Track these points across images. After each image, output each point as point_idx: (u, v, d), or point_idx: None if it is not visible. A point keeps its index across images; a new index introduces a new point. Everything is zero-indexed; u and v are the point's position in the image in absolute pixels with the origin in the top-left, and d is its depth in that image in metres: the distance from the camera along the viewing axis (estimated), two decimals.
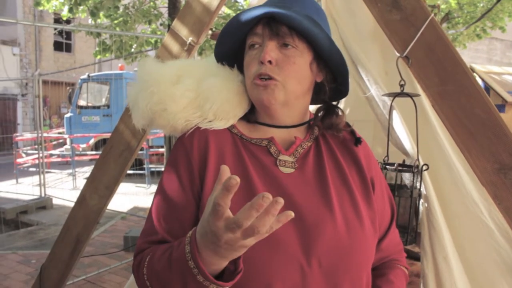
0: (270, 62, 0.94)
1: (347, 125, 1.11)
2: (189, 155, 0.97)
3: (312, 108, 1.12)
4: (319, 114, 1.07)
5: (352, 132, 1.10)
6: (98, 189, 2.10)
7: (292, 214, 0.67)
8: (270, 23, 0.95)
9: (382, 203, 1.06)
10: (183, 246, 0.78)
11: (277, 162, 0.98)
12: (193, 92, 1.02)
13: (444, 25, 9.75)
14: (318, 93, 1.07)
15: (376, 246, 1.01)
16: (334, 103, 1.11)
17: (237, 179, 0.63)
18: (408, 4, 1.49)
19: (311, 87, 1.03)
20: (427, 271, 1.46)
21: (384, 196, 1.08)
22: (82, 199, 2.16)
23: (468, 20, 9.31)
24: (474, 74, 4.07)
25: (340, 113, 1.07)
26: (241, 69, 1.06)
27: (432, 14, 1.47)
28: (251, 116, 1.05)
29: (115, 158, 2.04)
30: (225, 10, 8.10)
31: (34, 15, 16.35)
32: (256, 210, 0.64)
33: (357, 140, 1.07)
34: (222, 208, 0.66)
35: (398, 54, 1.51)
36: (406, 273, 1.12)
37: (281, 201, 0.64)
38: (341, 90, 1.08)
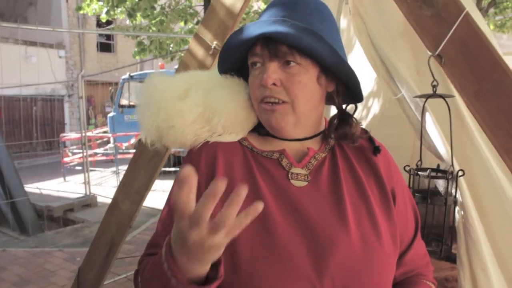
0: (274, 84, 0.89)
1: (364, 131, 1.04)
2: (196, 168, 0.94)
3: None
4: (333, 123, 1.01)
5: (371, 140, 1.03)
6: (129, 194, 2.13)
7: (261, 207, 0.64)
8: (268, 43, 0.89)
9: (405, 214, 1.00)
10: (161, 251, 0.76)
11: (289, 175, 0.93)
12: (201, 107, 0.99)
13: (491, 10, 9.27)
14: (332, 100, 1.01)
15: (398, 260, 0.95)
16: (348, 108, 1.05)
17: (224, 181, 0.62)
18: None
19: (323, 98, 0.98)
20: (463, 283, 1.38)
21: (407, 207, 1.01)
22: (114, 204, 2.20)
23: None
24: None
25: (354, 122, 1.01)
26: (247, 81, 1.01)
27: (466, 9, 1.37)
28: (261, 129, 1.00)
29: (144, 165, 2.05)
30: (261, 5, 8.05)
31: (78, 18, 16.92)
32: (212, 197, 0.62)
33: (376, 149, 1.00)
34: (180, 205, 0.64)
35: (429, 53, 1.42)
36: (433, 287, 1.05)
37: (242, 192, 0.62)
38: (355, 96, 1.02)
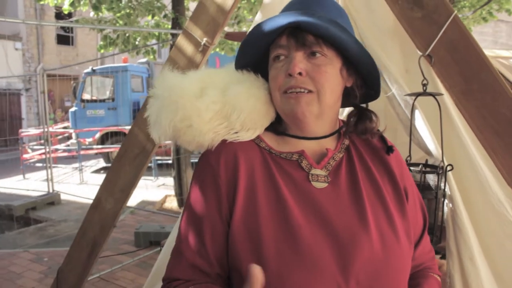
0: (300, 73, 0.90)
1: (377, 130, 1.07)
2: (215, 175, 0.94)
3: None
4: (351, 120, 1.03)
5: (383, 140, 1.06)
6: (114, 193, 2.09)
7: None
8: (296, 33, 0.91)
9: (415, 211, 1.03)
10: None
11: (309, 177, 0.94)
12: (218, 104, 0.98)
13: None
14: (348, 97, 1.03)
15: None
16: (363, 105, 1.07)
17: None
18: (430, 1, 1.45)
19: (342, 93, 1.00)
20: (453, 272, 1.44)
21: (416, 204, 1.05)
22: (97, 203, 2.15)
23: (474, 4, 9.15)
24: None
25: (373, 116, 1.03)
26: (265, 78, 1.02)
27: (455, 11, 1.43)
28: (278, 126, 1.01)
29: (130, 162, 2.02)
30: None
31: (36, 9, 16.26)
32: None
33: (389, 149, 1.03)
34: None
35: (420, 53, 1.47)
36: (439, 280, 1.09)
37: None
38: (371, 92, 1.04)
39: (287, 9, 0.99)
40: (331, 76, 0.93)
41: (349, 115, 1.05)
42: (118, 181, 2.09)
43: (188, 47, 1.85)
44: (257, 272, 0.70)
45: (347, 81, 0.99)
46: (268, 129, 1.01)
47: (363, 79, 1.02)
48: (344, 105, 1.07)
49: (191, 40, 1.84)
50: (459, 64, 1.44)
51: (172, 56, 1.90)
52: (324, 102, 0.93)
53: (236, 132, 0.98)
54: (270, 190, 0.91)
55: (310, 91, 0.91)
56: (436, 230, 1.50)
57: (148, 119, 1.04)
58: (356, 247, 0.87)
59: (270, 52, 0.98)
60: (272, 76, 0.96)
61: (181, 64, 1.84)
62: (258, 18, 1.85)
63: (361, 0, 1.66)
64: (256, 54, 1.01)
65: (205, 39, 1.81)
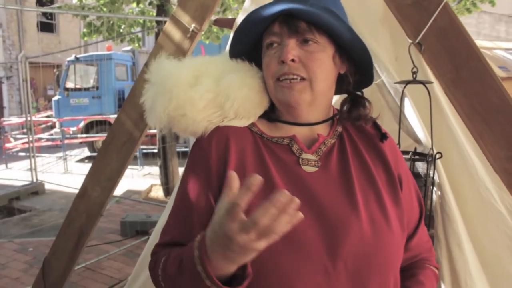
0: (293, 60, 0.90)
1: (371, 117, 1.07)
2: (207, 158, 0.95)
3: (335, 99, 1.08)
4: (345, 107, 1.03)
5: (377, 127, 1.05)
6: (101, 181, 2.06)
7: (302, 216, 0.67)
8: (288, 20, 0.91)
9: (410, 200, 1.03)
10: (192, 251, 0.77)
11: (300, 160, 0.95)
12: (212, 93, 0.98)
13: None
14: (341, 84, 1.03)
15: (404, 246, 0.99)
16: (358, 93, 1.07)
17: (259, 178, 0.64)
18: None
19: (335, 80, 1.00)
20: (441, 258, 1.46)
21: (411, 193, 1.04)
22: (84, 191, 2.12)
23: None
24: None
25: (367, 103, 1.03)
26: (258, 66, 1.02)
27: None
28: (271, 114, 1.01)
29: (117, 149, 1.99)
30: None
31: None
32: (276, 207, 0.63)
33: (383, 136, 1.03)
34: (240, 209, 0.66)
35: (410, 41, 1.47)
36: (437, 272, 1.09)
37: (297, 200, 0.64)
38: (364, 79, 1.04)
39: None
40: (324, 63, 0.93)
41: (343, 102, 1.04)
42: (105, 169, 2.06)
43: (176, 34, 1.82)
44: (233, 175, 0.70)
45: (340, 68, 0.99)
46: (261, 116, 1.02)
47: (356, 66, 1.01)
48: (338, 92, 1.06)
49: (179, 26, 1.81)
50: (449, 52, 1.44)
51: (160, 42, 1.87)
52: (317, 89, 0.93)
53: (230, 120, 0.99)
54: (260, 172, 0.91)
55: (302, 79, 0.92)
56: (425, 219, 1.51)
57: (143, 105, 1.05)
58: (345, 231, 0.87)
59: (263, 40, 0.98)
60: (266, 64, 0.96)
61: (168, 50, 1.80)
62: (247, 5, 1.82)
63: None
64: (250, 42, 1.01)
65: (193, 25, 1.78)
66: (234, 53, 1.04)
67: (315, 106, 0.97)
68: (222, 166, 0.93)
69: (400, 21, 1.49)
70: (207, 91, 0.98)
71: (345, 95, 1.08)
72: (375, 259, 0.88)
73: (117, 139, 2.00)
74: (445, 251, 1.45)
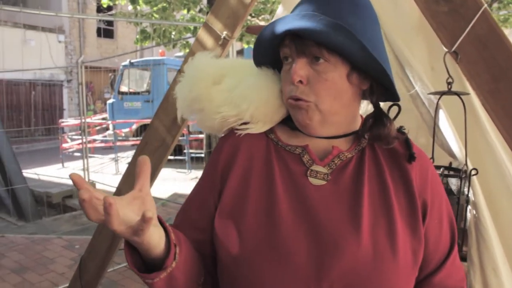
0: (301, 82, 0.87)
1: (401, 133, 0.97)
2: (217, 159, 0.97)
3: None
4: (368, 123, 0.95)
5: (407, 145, 0.95)
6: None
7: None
8: (296, 39, 0.87)
9: (438, 231, 0.93)
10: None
11: (308, 172, 0.91)
12: (230, 92, 0.99)
13: (495, 5, 9.20)
14: (371, 96, 0.95)
15: (424, 281, 0.91)
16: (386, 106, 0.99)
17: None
18: None
19: (356, 96, 0.93)
20: (474, 283, 1.36)
21: (442, 223, 0.94)
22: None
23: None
24: None
25: (388, 123, 0.93)
26: None
27: (485, 5, 1.34)
28: (291, 122, 0.97)
29: (150, 155, 2.02)
30: None
31: (78, 2, 16.76)
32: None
33: (411, 157, 0.93)
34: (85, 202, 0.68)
35: (445, 49, 1.39)
36: None
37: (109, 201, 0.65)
38: (392, 94, 0.95)
39: (301, 1, 0.93)
40: (334, 83, 0.87)
41: (367, 117, 0.97)
42: None
43: (208, 40, 1.83)
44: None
45: (362, 85, 0.92)
46: (284, 123, 1.00)
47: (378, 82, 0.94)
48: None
49: (212, 33, 1.82)
50: (487, 62, 1.35)
51: (193, 50, 1.89)
52: (325, 110, 0.88)
53: (245, 123, 0.98)
54: (264, 180, 0.91)
55: (308, 101, 0.88)
56: (459, 235, 1.42)
57: (175, 95, 1.10)
58: (336, 249, 0.81)
59: (280, 52, 0.94)
60: (282, 78, 0.95)
61: None
62: (280, 12, 1.81)
63: None
64: (269, 54, 0.99)
65: (225, 32, 1.78)
66: (257, 63, 1.03)
67: (329, 123, 0.92)
68: (227, 168, 0.94)
69: (435, 29, 1.41)
70: (227, 90, 0.99)
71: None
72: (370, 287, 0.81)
73: (150, 144, 2.03)
74: (479, 275, 1.35)
